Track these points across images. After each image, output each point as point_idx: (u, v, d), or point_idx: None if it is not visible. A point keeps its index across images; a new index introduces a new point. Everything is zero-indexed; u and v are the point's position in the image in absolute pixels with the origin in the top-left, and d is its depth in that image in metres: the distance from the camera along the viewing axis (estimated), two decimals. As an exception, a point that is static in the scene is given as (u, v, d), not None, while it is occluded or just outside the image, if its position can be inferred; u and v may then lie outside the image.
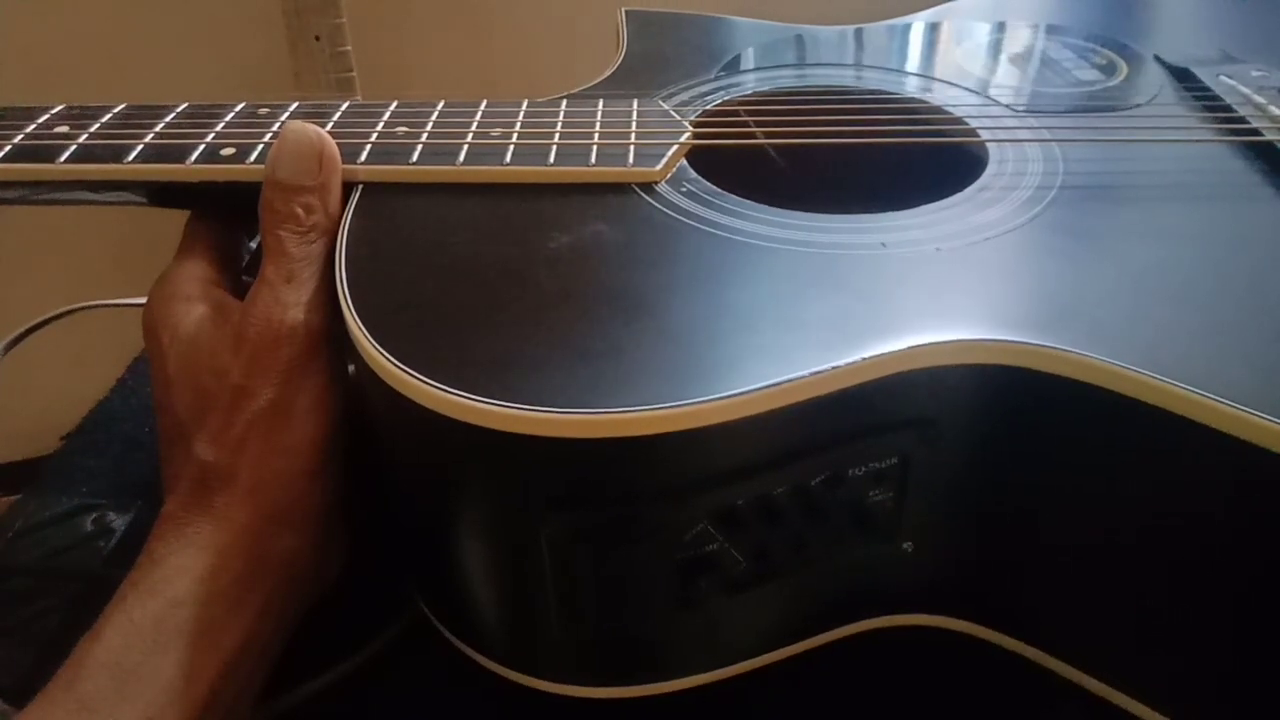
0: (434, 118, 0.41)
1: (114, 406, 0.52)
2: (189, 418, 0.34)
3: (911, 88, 0.49)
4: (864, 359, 0.29)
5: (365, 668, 0.38)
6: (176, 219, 0.40)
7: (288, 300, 0.34)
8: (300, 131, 0.37)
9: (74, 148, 0.38)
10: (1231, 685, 0.33)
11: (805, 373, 0.28)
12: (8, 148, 0.38)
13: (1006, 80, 0.50)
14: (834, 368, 0.29)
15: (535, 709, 0.35)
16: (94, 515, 0.45)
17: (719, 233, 0.35)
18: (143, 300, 0.37)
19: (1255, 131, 0.42)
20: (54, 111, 0.40)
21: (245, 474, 0.32)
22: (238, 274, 0.39)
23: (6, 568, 0.43)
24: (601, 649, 0.34)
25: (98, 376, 0.53)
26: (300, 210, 0.35)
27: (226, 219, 0.40)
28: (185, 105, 0.41)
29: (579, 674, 0.34)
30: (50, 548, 0.44)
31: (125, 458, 0.48)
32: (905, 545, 0.34)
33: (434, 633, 0.37)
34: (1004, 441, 0.32)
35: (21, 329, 0.47)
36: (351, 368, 0.35)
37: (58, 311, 0.48)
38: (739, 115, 0.46)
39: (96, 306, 0.49)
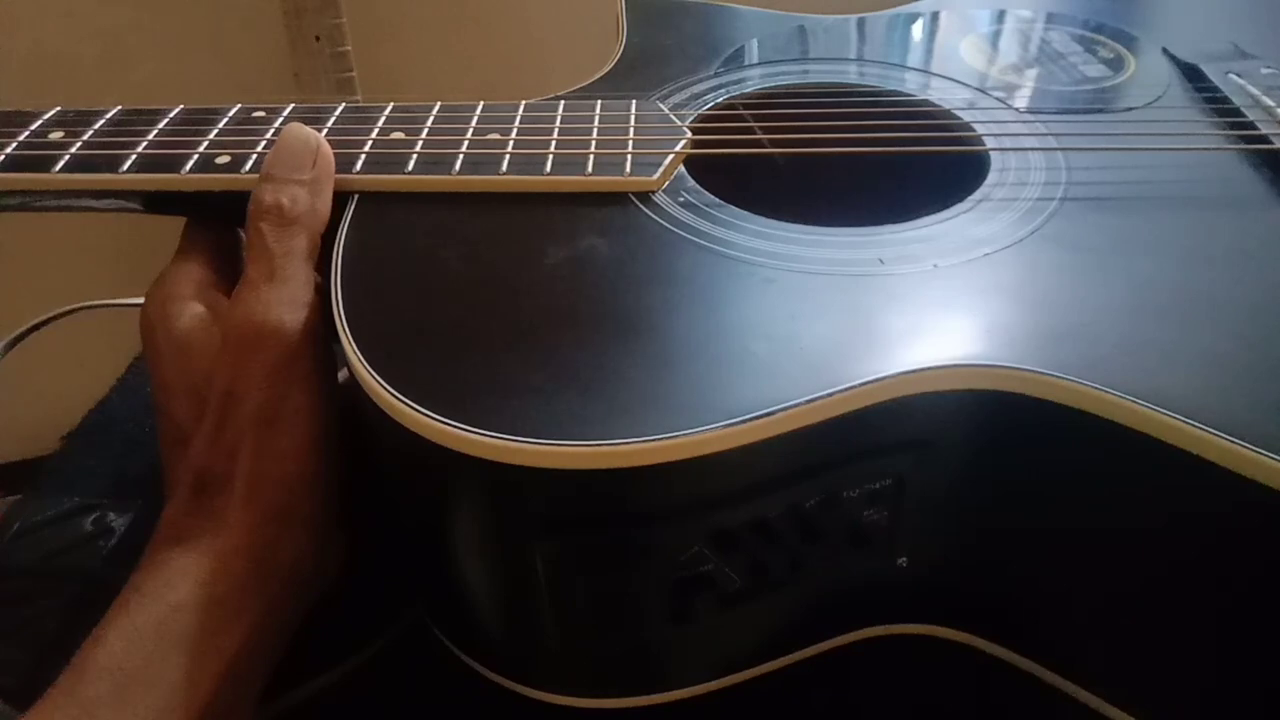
0: (430, 122, 0.41)
1: (114, 406, 0.52)
2: (185, 420, 0.34)
3: (914, 85, 0.48)
4: (859, 385, 0.29)
5: (365, 668, 0.38)
6: (177, 219, 0.40)
7: (269, 299, 0.33)
8: (298, 129, 0.37)
9: (68, 157, 0.37)
10: (1224, 704, 0.33)
11: (800, 400, 0.28)
12: (1, 157, 0.37)
13: (1011, 78, 0.50)
14: (829, 394, 0.28)
15: (536, 711, 0.35)
16: (94, 515, 0.45)
17: (715, 247, 0.35)
18: (142, 300, 0.36)
19: (1264, 139, 0.41)
20: (47, 117, 0.40)
21: (241, 479, 0.32)
22: (235, 276, 0.39)
23: (6, 568, 0.43)
24: (598, 663, 0.34)
25: (98, 376, 0.53)
26: (285, 201, 0.35)
27: (225, 221, 0.40)
28: (179, 109, 0.41)
29: (577, 686, 0.35)
30: (50, 548, 0.44)
31: (125, 458, 0.49)
32: (900, 560, 0.34)
33: (434, 633, 0.37)
34: (1000, 463, 0.32)
35: (21, 329, 0.47)
36: (344, 372, 0.35)
37: (58, 311, 0.48)
38: (739, 115, 0.46)
39: (96, 306, 0.49)
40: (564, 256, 0.34)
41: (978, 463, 0.32)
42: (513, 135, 0.40)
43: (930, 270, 0.34)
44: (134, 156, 0.38)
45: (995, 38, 0.55)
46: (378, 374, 0.29)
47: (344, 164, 0.38)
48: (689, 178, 0.39)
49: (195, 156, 0.38)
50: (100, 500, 0.46)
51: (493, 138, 0.40)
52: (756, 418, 0.28)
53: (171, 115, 0.41)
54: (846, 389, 0.29)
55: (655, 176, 0.38)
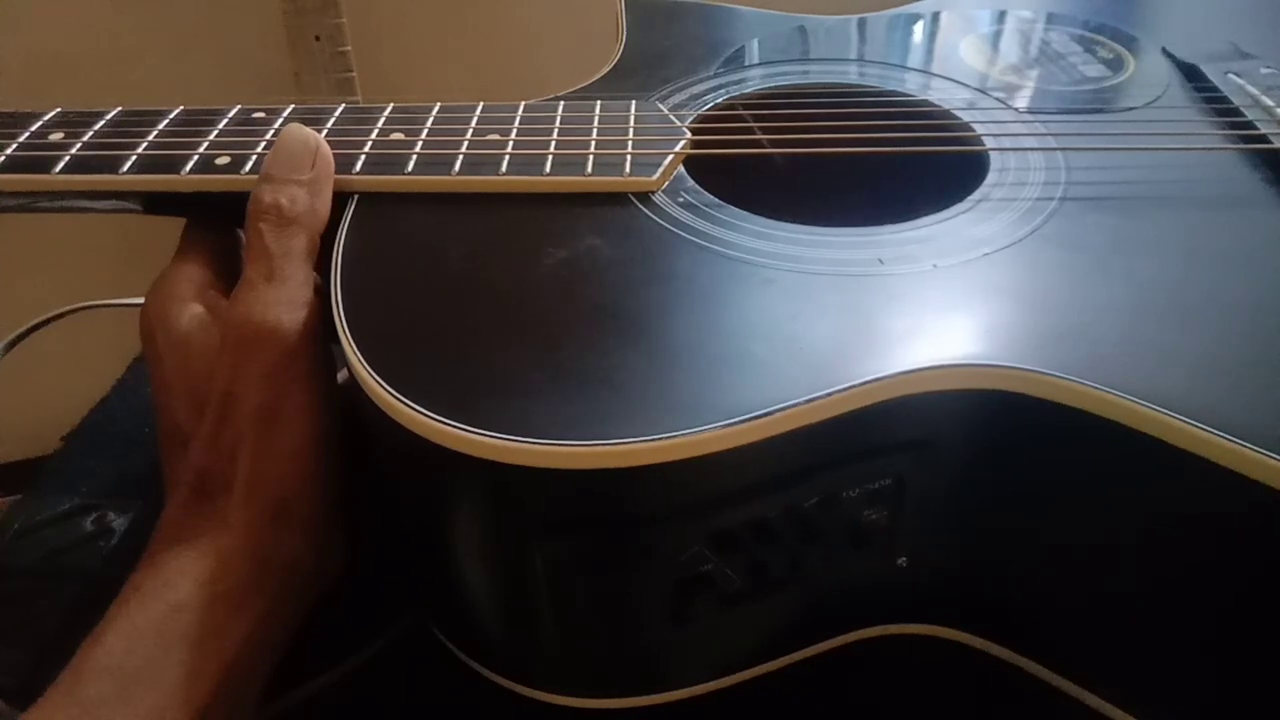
0: (429, 123, 0.41)
1: (114, 406, 0.52)
2: (185, 421, 0.34)
3: (915, 86, 0.48)
4: (859, 385, 0.29)
5: (365, 668, 0.38)
6: (177, 219, 0.40)
7: (268, 299, 0.33)
8: (297, 130, 0.37)
9: (68, 158, 0.38)
10: (1225, 704, 0.33)
11: (800, 400, 0.28)
12: (2, 159, 0.37)
13: (1011, 78, 0.50)
14: (829, 394, 0.28)
15: (536, 711, 0.35)
16: (94, 515, 0.45)
17: (715, 248, 0.35)
18: (142, 301, 0.36)
19: (1263, 138, 0.41)
20: (47, 118, 0.40)
21: (241, 479, 0.32)
22: (235, 277, 0.39)
23: (6, 568, 0.43)
24: (598, 663, 0.34)
25: (98, 376, 0.53)
26: (284, 201, 0.35)
27: (224, 222, 0.40)
28: (179, 110, 0.41)
29: (577, 686, 0.35)
30: (50, 548, 0.44)
31: (125, 458, 0.49)
32: (900, 561, 0.34)
33: (434, 633, 0.37)
34: (1000, 463, 0.32)
35: (21, 329, 0.47)
36: (343, 372, 0.35)
37: (58, 311, 0.48)
38: (739, 115, 0.46)
39: (96, 306, 0.49)
40: (563, 257, 0.34)
41: (978, 463, 0.32)
42: (512, 136, 0.40)
43: (930, 270, 0.34)
44: (134, 157, 0.38)
45: (995, 38, 0.55)
46: (378, 374, 0.29)
47: (344, 164, 0.38)
48: (688, 178, 0.39)
49: (195, 157, 0.38)
50: (100, 500, 0.46)
51: (492, 138, 0.40)
52: (756, 418, 0.28)
53: (171, 116, 0.41)
54: (846, 389, 0.29)
55: (655, 177, 0.38)
